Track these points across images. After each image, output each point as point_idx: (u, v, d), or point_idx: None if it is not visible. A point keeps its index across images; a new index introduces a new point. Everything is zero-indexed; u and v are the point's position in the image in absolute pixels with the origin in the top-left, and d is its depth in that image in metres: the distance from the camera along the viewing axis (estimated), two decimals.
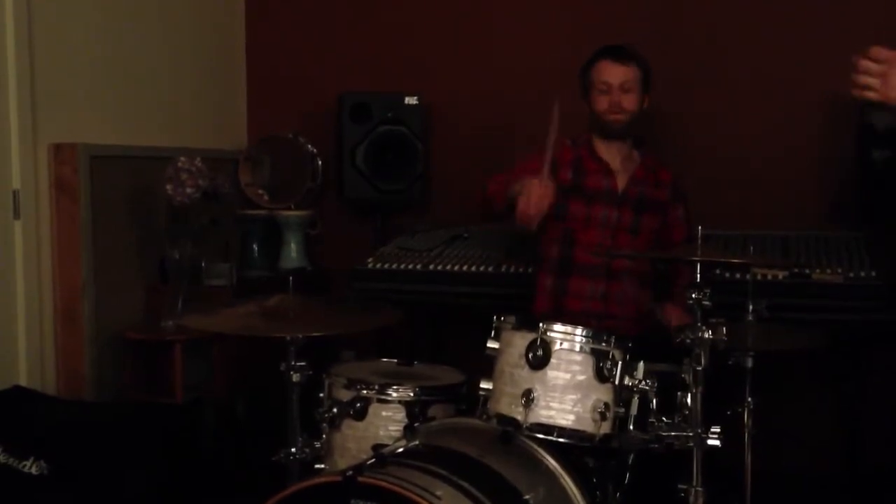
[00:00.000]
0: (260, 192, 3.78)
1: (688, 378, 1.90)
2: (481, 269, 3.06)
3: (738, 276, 2.63)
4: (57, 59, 2.95)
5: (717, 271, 2.68)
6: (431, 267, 3.10)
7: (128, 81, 3.26)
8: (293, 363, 2.05)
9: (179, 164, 3.03)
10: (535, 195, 2.35)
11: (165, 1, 3.52)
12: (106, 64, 3.18)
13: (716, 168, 3.36)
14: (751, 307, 2.18)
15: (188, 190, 3.02)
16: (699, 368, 1.86)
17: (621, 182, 2.69)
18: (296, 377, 2.05)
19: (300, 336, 2.04)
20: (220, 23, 3.89)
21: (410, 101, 3.64)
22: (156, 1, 3.47)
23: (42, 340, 2.97)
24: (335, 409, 2.11)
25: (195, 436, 3.06)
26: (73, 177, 2.95)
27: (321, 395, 2.18)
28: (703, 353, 1.86)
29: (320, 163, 3.76)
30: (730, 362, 2.16)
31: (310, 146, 3.77)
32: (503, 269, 3.04)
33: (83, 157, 2.96)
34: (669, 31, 3.43)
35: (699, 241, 1.99)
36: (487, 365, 2.01)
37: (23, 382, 2.87)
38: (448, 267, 3.09)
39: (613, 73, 2.62)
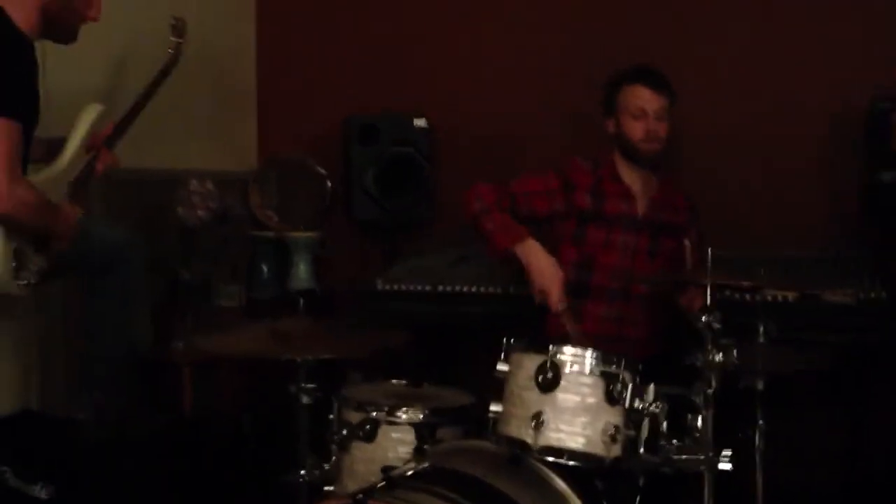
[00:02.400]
0: (269, 213, 3.81)
1: (698, 401, 1.90)
2: (490, 289, 3.07)
3: (748, 297, 2.62)
4: (70, 82, 2.98)
5: (728, 292, 2.68)
6: (440, 288, 3.11)
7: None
8: (302, 385, 2.05)
9: (191, 187, 3.07)
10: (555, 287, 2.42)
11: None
12: (118, 88, 3.21)
13: (725, 189, 3.37)
14: (761, 328, 2.17)
15: (199, 212, 3.05)
16: (709, 391, 1.86)
17: (641, 206, 2.68)
18: (305, 399, 2.06)
19: (310, 358, 2.04)
20: (230, 46, 3.92)
21: (419, 123, 3.67)
22: (166, 24, 3.50)
23: (51, 362, 2.98)
24: (344, 431, 2.11)
25: (203, 456, 3.06)
26: (83, 199, 2.96)
27: (330, 416, 2.18)
28: (713, 376, 1.86)
29: (329, 184, 3.79)
30: (740, 384, 2.15)
31: (319, 168, 3.79)
32: (511, 289, 3.04)
33: (97, 180, 2.98)
34: (674, 52, 3.44)
35: (709, 265, 1.98)
36: (496, 387, 2.00)
37: (32, 406, 2.88)
38: (456, 287, 3.10)
39: (651, 101, 2.60)
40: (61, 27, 2.29)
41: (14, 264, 2.17)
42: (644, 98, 2.60)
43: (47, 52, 2.86)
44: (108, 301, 2.50)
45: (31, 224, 2.20)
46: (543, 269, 2.46)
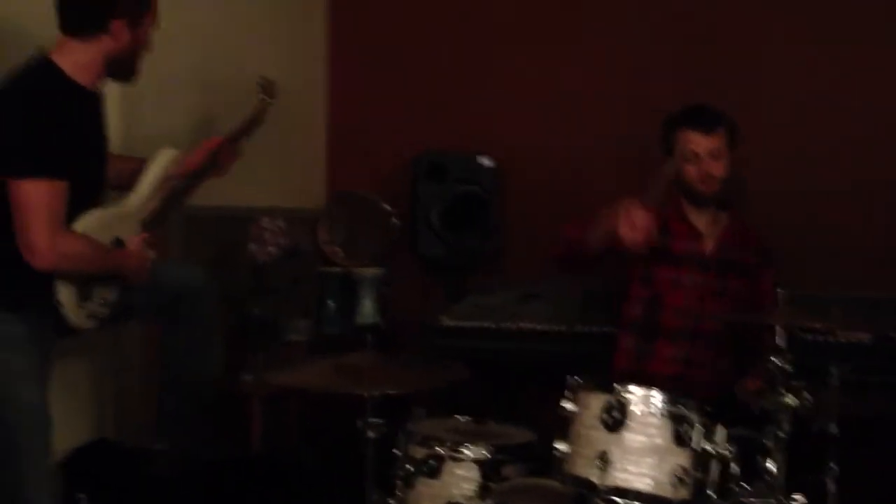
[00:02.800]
0: (336, 249, 3.87)
1: (769, 443, 1.86)
2: (554, 327, 3.06)
3: (821, 338, 2.57)
4: (150, 126, 3.11)
5: (801, 334, 2.62)
6: (504, 325, 3.12)
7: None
8: (369, 420, 2.08)
9: (262, 224, 3.15)
10: (637, 215, 2.26)
11: (248, 65, 3.69)
12: (196, 130, 3.33)
13: (799, 227, 3.30)
14: (834, 371, 2.12)
15: (270, 248, 3.12)
16: (781, 434, 1.82)
17: (709, 245, 2.66)
18: (371, 434, 2.08)
19: (377, 393, 2.07)
20: (302, 86, 4.03)
21: (484, 161, 3.71)
22: (240, 65, 3.64)
23: (127, 393, 3.07)
24: (409, 467, 2.13)
25: (271, 489, 3.10)
26: (165, 236, 3.07)
27: (396, 451, 2.20)
28: (785, 419, 1.82)
29: (395, 221, 3.84)
30: (813, 428, 2.10)
31: (385, 205, 3.85)
32: (576, 328, 3.04)
33: (173, 218, 3.08)
34: (745, 88, 3.42)
35: (780, 305, 1.96)
36: (561, 425, 1.99)
37: (108, 434, 2.97)
38: (521, 325, 3.11)
39: (702, 143, 2.58)
40: (126, 68, 2.32)
41: (80, 297, 2.22)
42: (694, 141, 2.59)
43: (133, 120, 3.02)
44: (182, 337, 2.54)
45: (85, 272, 2.23)
46: (620, 214, 2.31)
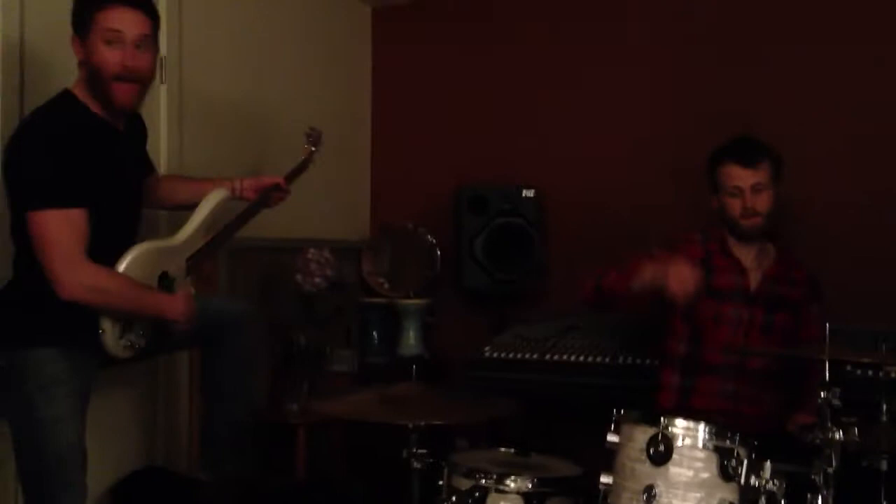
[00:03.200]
0: (380, 280, 3.92)
1: (818, 480, 1.83)
2: (597, 359, 3.06)
3: (870, 373, 2.53)
4: (198, 163, 3.20)
5: (849, 368, 2.59)
6: (547, 357, 3.13)
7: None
8: (414, 450, 2.10)
9: (309, 255, 3.20)
10: (686, 272, 2.32)
11: (296, 102, 3.78)
12: (244, 163, 3.41)
13: (847, 260, 3.26)
14: (885, 407, 2.09)
15: (316, 279, 3.17)
16: (830, 470, 1.80)
17: (754, 280, 2.63)
18: (416, 464, 2.10)
19: (422, 424, 2.09)
20: (347, 120, 4.12)
21: (527, 193, 3.73)
22: (287, 101, 3.73)
23: (177, 423, 3.13)
24: (454, 498, 2.13)
25: None
26: (213, 268, 3.15)
27: (440, 482, 2.21)
28: (833, 455, 1.80)
29: (439, 252, 3.88)
30: (864, 464, 2.07)
31: (429, 236, 3.90)
32: (619, 360, 3.03)
33: (223, 250, 3.15)
34: (789, 120, 3.40)
35: (827, 339, 1.94)
36: (606, 458, 1.99)
37: (158, 462, 3.02)
38: (563, 357, 3.11)
39: (744, 177, 2.55)
40: (98, 93, 2.22)
41: (122, 329, 2.23)
42: (736, 176, 2.56)
43: (185, 156, 3.10)
44: (226, 369, 2.55)
45: (121, 310, 2.20)
46: (671, 263, 2.36)
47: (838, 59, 3.38)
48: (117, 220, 2.30)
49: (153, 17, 2.26)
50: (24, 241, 2.15)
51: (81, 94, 2.22)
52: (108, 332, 2.21)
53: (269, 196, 2.69)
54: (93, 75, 2.18)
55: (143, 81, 2.24)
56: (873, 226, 3.29)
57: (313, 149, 2.89)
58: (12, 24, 2.53)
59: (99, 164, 2.20)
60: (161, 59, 3.05)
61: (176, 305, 2.31)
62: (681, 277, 2.32)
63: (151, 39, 2.25)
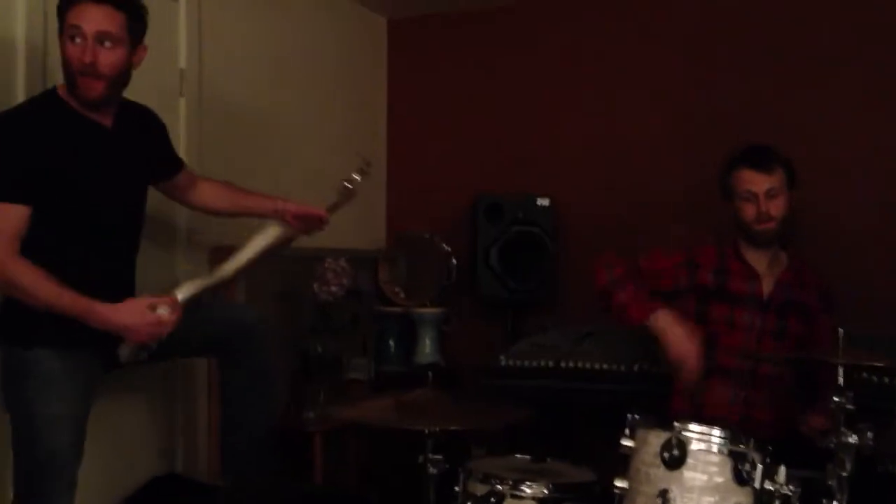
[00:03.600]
0: (396, 289, 3.94)
1: (833, 484, 1.84)
2: (612, 367, 3.07)
3: (886, 379, 2.53)
4: (216, 174, 3.23)
5: (864, 375, 2.59)
6: (562, 364, 3.14)
7: (279, 190, 3.50)
8: (430, 455, 2.11)
9: (326, 265, 3.23)
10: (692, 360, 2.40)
11: (313, 113, 3.83)
12: (262, 175, 3.45)
13: (862, 266, 3.27)
14: None
15: (333, 288, 3.20)
16: (843, 474, 1.80)
17: (767, 286, 2.64)
18: (432, 470, 2.12)
19: (437, 430, 2.11)
20: (362, 132, 4.16)
21: (542, 202, 3.76)
22: (304, 112, 3.78)
23: (196, 430, 3.17)
24: (469, 503, 2.15)
25: None
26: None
27: (456, 488, 2.22)
28: (847, 459, 1.80)
29: (454, 261, 3.90)
30: (878, 469, 2.07)
31: (444, 245, 3.92)
32: (635, 367, 3.04)
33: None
34: (804, 130, 3.41)
35: (840, 344, 1.95)
36: (619, 464, 2.00)
37: (177, 468, 3.06)
38: (579, 364, 3.12)
39: (757, 182, 2.56)
40: (73, 92, 2.19)
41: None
42: (750, 180, 2.57)
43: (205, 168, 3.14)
44: (243, 378, 2.56)
45: (32, 304, 2.15)
46: (679, 340, 2.43)
47: (857, 67, 3.39)
48: (105, 216, 2.28)
49: (127, 10, 2.21)
50: (33, 244, 2.16)
51: (64, 92, 2.23)
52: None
53: (311, 226, 2.65)
54: (65, 72, 2.18)
55: (106, 77, 2.19)
56: (888, 233, 3.29)
57: (358, 179, 2.75)
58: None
59: (68, 162, 2.19)
60: (180, 72, 3.13)
61: (118, 317, 2.19)
62: (684, 360, 2.40)
63: (120, 34, 2.19)
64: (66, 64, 2.17)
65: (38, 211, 2.16)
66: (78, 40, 2.15)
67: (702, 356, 2.41)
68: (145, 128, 2.46)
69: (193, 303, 2.36)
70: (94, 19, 2.14)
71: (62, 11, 2.18)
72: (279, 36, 3.64)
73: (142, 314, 2.21)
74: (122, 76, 2.25)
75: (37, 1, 2.58)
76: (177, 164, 2.60)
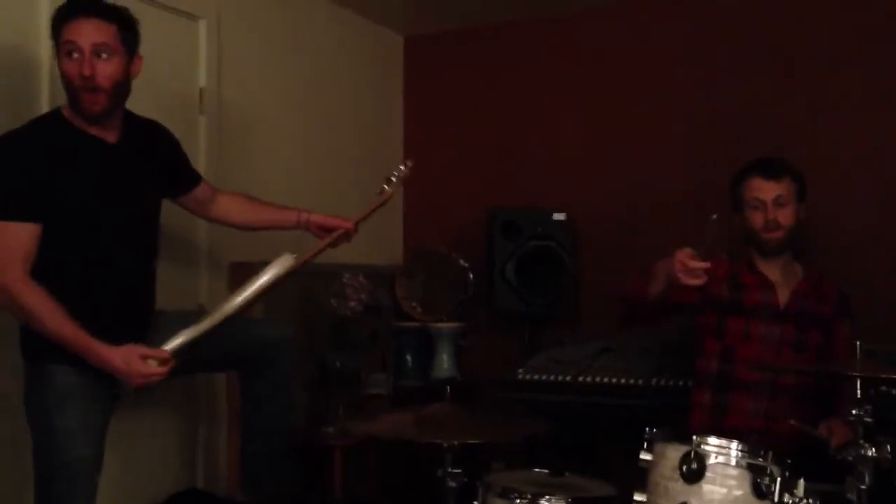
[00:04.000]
0: (413, 304, 3.96)
1: (852, 497, 1.84)
2: (630, 381, 3.07)
3: None
4: (238, 189, 3.27)
5: (884, 388, 2.58)
6: (580, 378, 3.14)
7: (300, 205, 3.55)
8: (449, 469, 2.13)
9: (344, 280, 3.26)
10: (688, 258, 2.29)
11: (331, 129, 3.88)
12: (280, 192, 3.48)
13: (879, 280, 3.26)
14: None
15: (351, 303, 3.23)
16: (863, 487, 1.80)
17: (783, 297, 2.64)
18: (451, 483, 2.13)
19: (456, 443, 2.12)
20: (379, 148, 4.20)
21: (558, 216, 3.78)
22: (322, 129, 3.82)
23: (216, 446, 3.19)
24: None
25: None
26: None
27: (475, 502, 2.23)
28: (866, 472, 1.80)
29: (471, 276, 3.92)
30: None
31: (461, 260, 3.94)
32: (653, 381, 3.04)
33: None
34: (819, 144, 3.42)
35: (858, 356, 1.95)
36: (638, 478, 2.01)
37: (199, 485, 3.09)
38: (597, 379, 3.13)
39: (766, 190, 2.59)
40: (75, 108, 2.22)
41: None
42: (758, 188, 2.60)
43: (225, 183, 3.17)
44: (265, 394, 2.57)
45: (37, 328, 2.17)
46: (669, 261, 2.35)
47: (858, 67, 3.41)
48: (111, 233, 2.27)
49: (117, 21, 2.22)
50: (40, 262, 2.18)
51: (67, 111, 2.25)
52: None
53: (338, 240, 2.63)
54: (65, 89, 2.21)
55: (106, 89, 2.20)
56: (889, 234, 3.30)
57: (399, 186, 2.72)
58: None
59: (73, 179, 2.20)
60: (200, 91, 3.18)
61: (110, 362, 2.19)
62: (684, 267, 2.30)
63: (114, 45, 2.21)
64: (67, 81, 2.20)
65: (44, 230, 2.17)
66: (75, 55, 2.17)
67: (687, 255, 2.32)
68: (153, 141, 2.45)
69: (192, 346, 2.33)
70: (88, 33, 2.17)
71: (56, 30, 2.21)
72: (297, 55, 3.69)
73: (135, 363, 2.21)
74: (122, 87, 2.26)
75: None
76: (194, 178, 2.61)
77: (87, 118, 2.24)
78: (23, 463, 2.31)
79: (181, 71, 3.12)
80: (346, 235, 2.64)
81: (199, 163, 3.16)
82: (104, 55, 2.19)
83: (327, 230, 2.62)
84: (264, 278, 2.44)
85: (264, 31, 3.52)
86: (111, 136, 2.31)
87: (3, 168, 2.16)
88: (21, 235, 2.14)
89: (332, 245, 2.63)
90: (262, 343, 2.56)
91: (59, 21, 2.20)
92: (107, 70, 2.20)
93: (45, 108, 2.59)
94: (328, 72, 3.88)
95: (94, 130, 2.27)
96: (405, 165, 2.70)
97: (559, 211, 3.79)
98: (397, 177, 2.67)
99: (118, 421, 2.37)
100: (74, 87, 2.19)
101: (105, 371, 2.22)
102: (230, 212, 2.67)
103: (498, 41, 4.17)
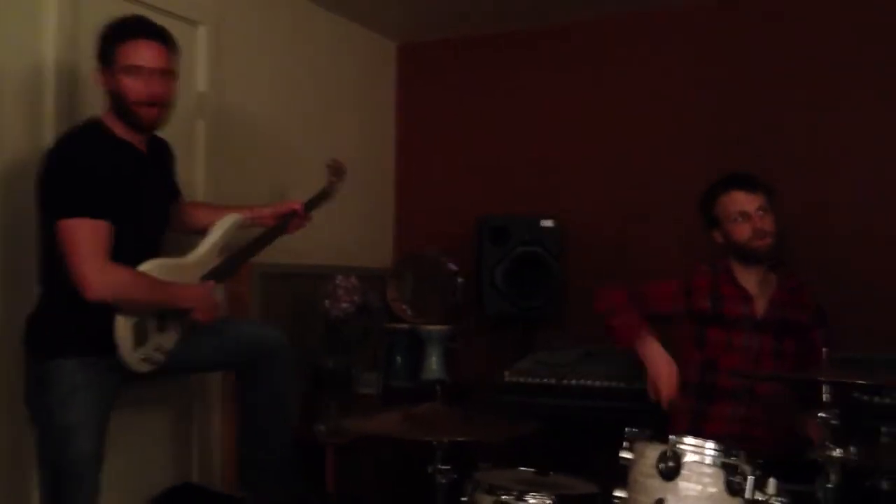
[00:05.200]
0: (404, 307, 4.04)
1: (821, 496, 1.93)
2: (613, 384, 3.15)
3: (870, 398, 2.63)
4: (234, 194, 3.34)
5: (849, 392, 2.67)
6: (566, 382, 3.22)
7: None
8: (439, 466, 2.21)
9: (337, 282, 3.33)
10: (666, 383, 2.57)
11: (326, 135, 3.95)
12: (277, 195, 3.55)
13: (862, 266, 3.35)
14: (884, 429, 2.19)
15: (344, 305, 3.30)
16: (829, 486, 1.90)
17: (760, 307, 2.71)
18: (441, 480, 2.21)
19: (446, 441, 2.20)
20: (371, 154, 4.28)
21: (546, 223, 3.86)
22: (317, 134, 3.90)
23: (211, 441, 3.26)
24: None
25: None
26: (244, 292, 3.29)
27: (463, 499, 2.31)
28: (832, 472, 1.90)
29: (461, 280, 3.99)
30: (866, 484, 2.16)
31: (451, 264, 4.01)
32: (636, 385, 3.11)
33: (255, 275, 3.31)
34: (795, 152, 3.52)
35: (825, 362, 2.04)
36: (620, 477, 2.09)
37: (193, 478, 3.15)
38: (581, 382, 3.20)
39: (748, 202, 2.66)
40: (128, 118, 2.38)
41: (136, 341, 2.34)
42: (741, 201, 2.67)
43: (222, 184, 3.24)
44: (262, 396, 2.65)
45: (141, 302, 2.34)
46: (658, 365, 2.59)
47: (867, 79, 3.49)
48: (142, 236, 2.43)
49: (170, 44, 2.41)
50: (52, 260, 2.30)
51: (109, 121, 2.39)
52: (123, 344, 2.32)
53: (286, 222, 2.82)
54: (119, 102, 2.36)
55: (164, 104, 2.42)
56: (889, 234, 3.39)
57: (334, 179, 3.02)
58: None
59: (123, 183, 2.35)
60: (199, 96, 3.26)
61: (190, 293, 2.45)
62: (657, 384, 2.58)
63: (174, 67, 2.43)
64: (121, 96, 2.35)
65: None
66: (141, 75, 2.34)
67: (676, 381, 2.58)
68: (164, 154, 2.64)
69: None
70: (153, 57, 2.36)
71: (111, 48, 2.34)
72: (294, 61, 3.77)
73: (209, 292, 2.50)
74: (174, 103, 2.47)
75: (67, 25, 2.73)
76: (178, 192, 2.75)
77: (140, 129, 2.42)
78: (26, 460, 2.39)
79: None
80: (297, 217, 2.84)
81: (198, 166, 3.24)
82: (165, 77, 2.38)
83: (280, 216, 2.83)
84: (222, 227, 2.67)
85: (262, 37, 3.60)
86: (143, 146, 2.47)
87: (77, 170, 2.28)
88: (103, 232, 2.27)
89: (285, 230, 2.83)
90: (255, 346, 2.64)
91: (117, 40, 2.34)
92: (168, 90, 2.41)
93: (51, 109, 2.68)
94: (323, 77, 3.96)
95: (134, 139, 2.42)
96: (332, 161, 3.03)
97: (547, 218, 3.87)
98: (333, 170, 3.01)
99: (116, 418, 2.43)
100: (129, 102, 2.35)
101: (115, 354, 2.30)
102: (197, 218, 2.76)
103: (490, 49, 4.25)
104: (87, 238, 2.23)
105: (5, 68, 2.60)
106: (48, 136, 2.61)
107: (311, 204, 2.92)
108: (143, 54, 2.34)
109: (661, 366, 2.59)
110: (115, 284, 2.27)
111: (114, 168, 2.33)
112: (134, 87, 2.35)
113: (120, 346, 2.31)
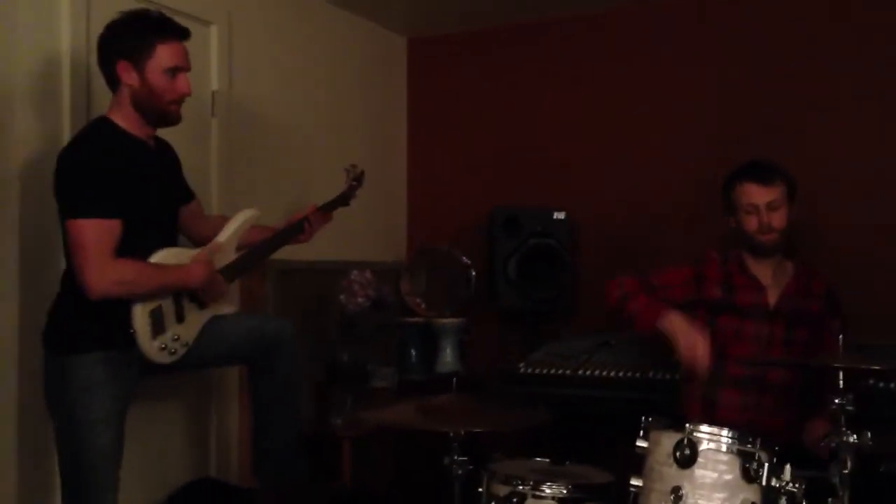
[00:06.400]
0: (417, 300, 4.05)
1: (836, 481, 1.94)
2: (627, 374, 3.16)
3: (892, 385, 2.63)
4: (246, 191, 3.38)
5: (871, 381, 2.68)
6: (580, 372, 3.23)
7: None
8: (455, 457, 2.23)
9: (352, 276, 3.36)
10: (702, 352, 2.48)
11: (337, 130, 3.97)
12: (289, 192, 3.59)
13: (868, 275, 3.35)
14: None
15: (359, 299, 3.32)
16: (845, 472, 1.90)
17: (772, 297, 2.71)
18: (458, 470, 2.23)
19: (462, 431, 2.22)
20: (383, 149, 4.30)
21: (558, 215, 3.86)
22: (329, 130, 3.92)
23: (228, 435, 3.29)
24: (493, 503, 2.26)
25: None
26: (260, 288, 3.32)
27: (479, 489, 2.33)
28: (848, 458, 1.90)
29: (473, 273, 4.01)
30: (881, 469, 2.17)
31: (464, 258, 4.03)
32: (650, 375, 3.13)
33: (271, 271, 3.33)
34: (812, 143, 3.51)
35: (841, 347, 2.05)
36: (635, 466, 2.11)
37: (211, 473, 3.19)
38: (595, 372, 3.22)
39: (760, 195, 2.65)
40: (155, 113, 2.42)
41: (154, 331, 2.37)
42: (752, 193, 2.66)
43: (235, 182, 3.27)
44: (273, 388, 2.68)
45: (142, 289, 2.34)
46: (690, 335, 2.51)
47: (867, 79, 3.48)
48: (154, 228, 2.46)
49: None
50: (69, 257, 2.32)
51: (119, 118, 2.41)
52: (141, 333, 2.35)
53: (300, 226, 2.84)
54: (149, 98, 2.39)
55: (184, 99, 2.51)
56: (887, 242, 3.39)
57: (354, 184, 3.08)
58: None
59: (134, 178, 2.38)
60: (212, 94, 3.28)
61: (192, 272, 2.46)
62: (693, 352, 2.48)
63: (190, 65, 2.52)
64: (155, 94, 2.40)
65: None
66: (178, 77, 2.43)
67: (711, 353, 2.49)
68: (168, 153, 2.65)
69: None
70: (187, 55, 2.47)
71: (147, 43, 2.38)
72: (305, 58, 3.79)
73: (209, 268, 2.51)
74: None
75: (81, 16, 2.75)
76: (190, 192, 2.76)
77: (164, 125, 2.49)
78: (49, 455, 2.42)
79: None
80: (309, 223, 2.87)
81: (211, 164, 3.27)
82: (187, 73, 2.48)
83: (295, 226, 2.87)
84: (238, 221, 2.70)
85: (273, 35, 3.62)
86: (151, 143, 2.51)
87: (88, 171, 2.31)
88: (111, 231, 2.29)
89: (300, 233, 2.86)
90: (264, 338, 2.66)
91: (158, 38, 2.39)
92: (189, 85, 2.48)
93: (66, 104, 2.71)
94: (334, 73, 3.97)
95: (143, 134, 2.46)
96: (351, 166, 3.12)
97: (559, 210, 3.87)
98: (351, 175, 3.10)
99: (134, 414, 2.45)
100: (164, 101, 2.42)
101: (134, 348, 2.34)
102: (215, 231, 2.75)
103: (500, 42, 4.26)
104: (90, 239, 2.26)
105: (21, 64, 2.63)
106: (65, 131, 2.65)
107: (329, 206, 2.96)
108: (182, 55, 2.44)
109: (694, 335, 2.50)
110: (116, 282, 2.29)
111: (124, 164, 2.35)
112: (173, 87, 2.42)
113: (138, 335, 2.34)
